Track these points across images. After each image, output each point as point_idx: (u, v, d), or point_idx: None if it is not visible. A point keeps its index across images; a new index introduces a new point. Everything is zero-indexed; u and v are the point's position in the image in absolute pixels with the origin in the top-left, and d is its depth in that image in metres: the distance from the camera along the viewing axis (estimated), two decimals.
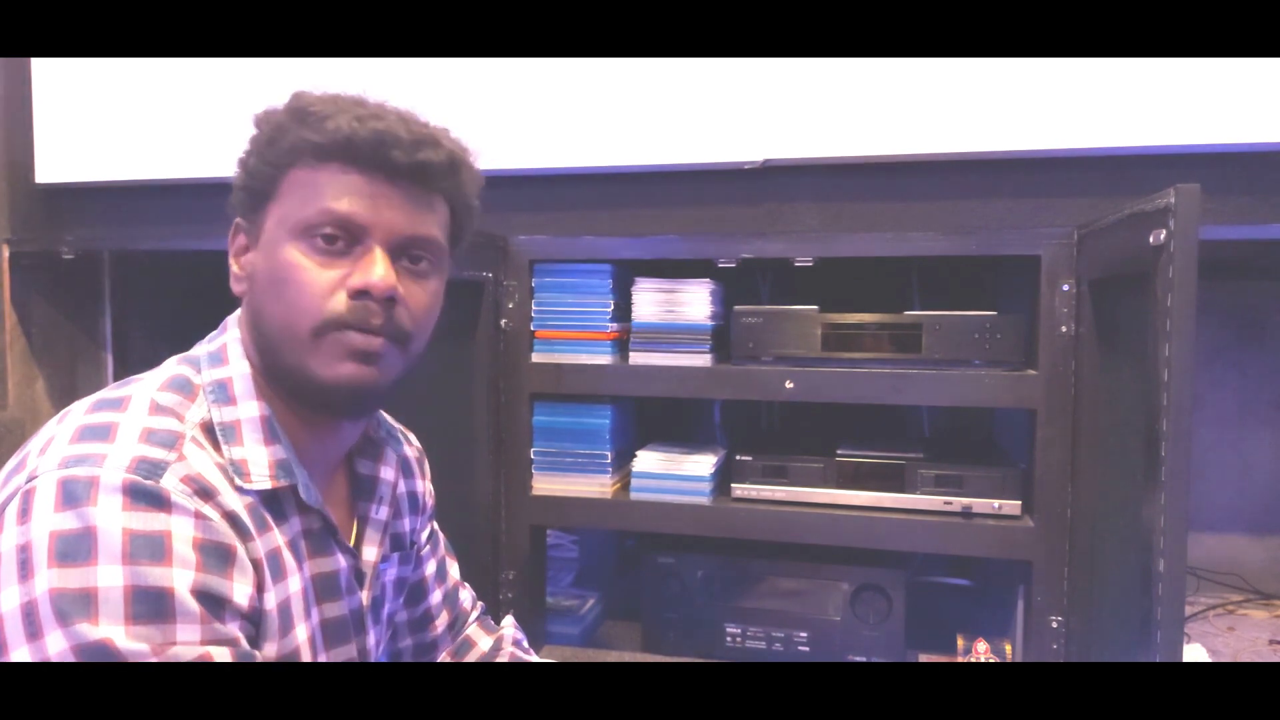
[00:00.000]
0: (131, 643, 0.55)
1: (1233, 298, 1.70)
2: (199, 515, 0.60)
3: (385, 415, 0.88)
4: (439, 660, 0.95)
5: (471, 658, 0.96)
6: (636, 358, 1.42)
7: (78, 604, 0.55)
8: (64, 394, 1.80)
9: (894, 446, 1.43)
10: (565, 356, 1.43)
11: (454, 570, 0.99)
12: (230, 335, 0.72)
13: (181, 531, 0.59)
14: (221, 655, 0.59)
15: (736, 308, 1.40)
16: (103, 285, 1.86)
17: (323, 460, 0.76)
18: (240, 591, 0.62)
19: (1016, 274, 1.46)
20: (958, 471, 1.32)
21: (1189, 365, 0.81)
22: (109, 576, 0.56)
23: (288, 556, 0.69)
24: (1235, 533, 1.73)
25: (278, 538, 0.68)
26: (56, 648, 0.54)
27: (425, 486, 0.92)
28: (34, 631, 0.55)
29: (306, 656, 0.70)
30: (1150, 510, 0.85)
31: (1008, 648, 1.34)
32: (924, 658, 1.37)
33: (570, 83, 1.46)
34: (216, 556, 0.60)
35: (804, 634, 1.41)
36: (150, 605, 0.56)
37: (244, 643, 0.61)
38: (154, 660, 0.56)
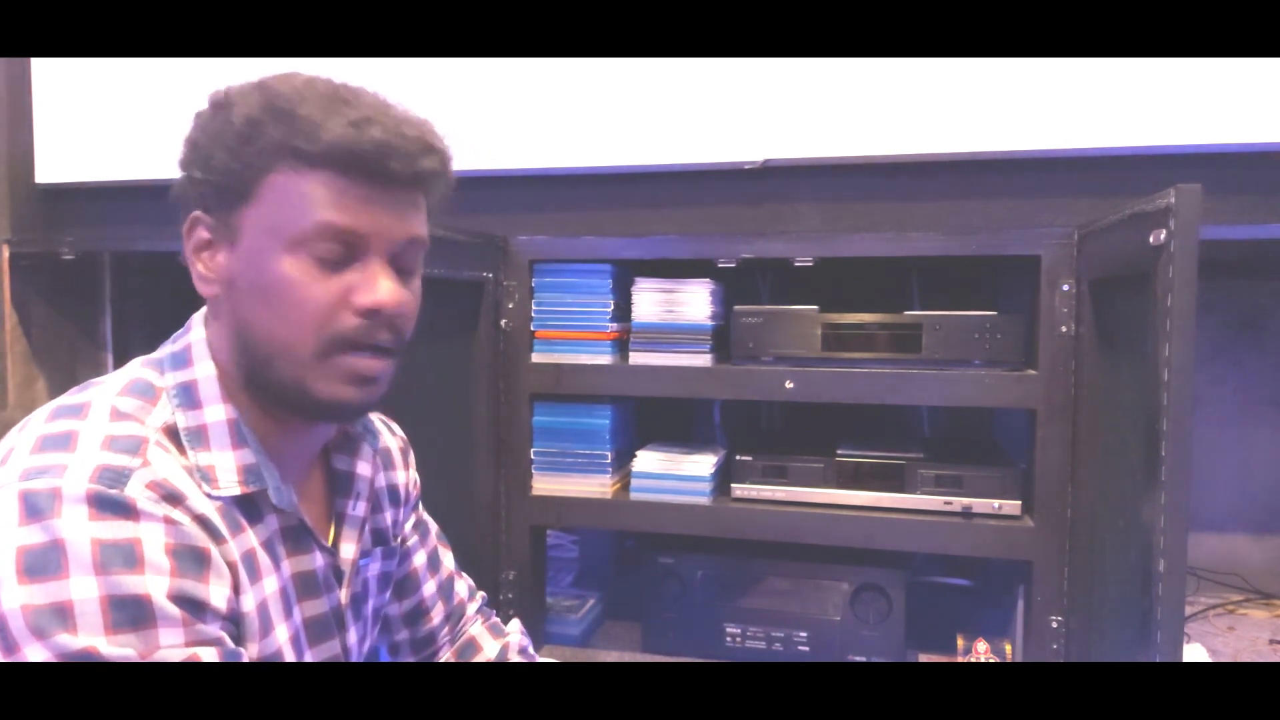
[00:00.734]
0: (116, 649, 0.54)
1: (1233, 298, 1.70)
2: (168, 520, 0.59)
3: None
4: (441, 660, 0.95)
5: (477, 660, 0.96)
6: (636, 358, 1.42)
7: (54, 619, 0.53)
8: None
9: (894, 446, 1.43)
10: (565, 356, 1.43)
11: (448, 560, 0.97)
12: (195, 335, 0.70)
13: (152, 538, 0.57)
14: (209, 655, 0.58)
15: (736, 308, 1.40)
16: (103, 286, 1.86)
17: (297, 459, 0.74)
18: (218, 594, 0.60)
19: (1016, 274, 1.46)
20: (958, 471, 1.32)
21: (1189, 365, 0.81)
22: (83, 588, 0.54)
23: (263, 557, 0.68)
24: (1235, 533, 1.73)
25: (252, 539, 0.67)
26: (37, 659, 0.53)
27: (409, 477, 0.90)
28: (9, 645, 0.54)
29: (290, 656, 0.69)
30: (1150, 510, 0.85)
31: (1008, 648, 1.34)
32: (924, 658, 1.37)
33: (570, 83, 1.46)
34: (191, 560, 0.59)
35: (804, 634, 1.41)
36: (128, 613, 0.55)
37: (229, 642, 0.61)
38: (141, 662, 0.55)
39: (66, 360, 1.82)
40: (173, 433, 0.65)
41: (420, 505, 0.94)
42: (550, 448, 1.46)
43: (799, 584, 1.42)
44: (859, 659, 1.39)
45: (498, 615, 1.01)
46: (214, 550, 0.61)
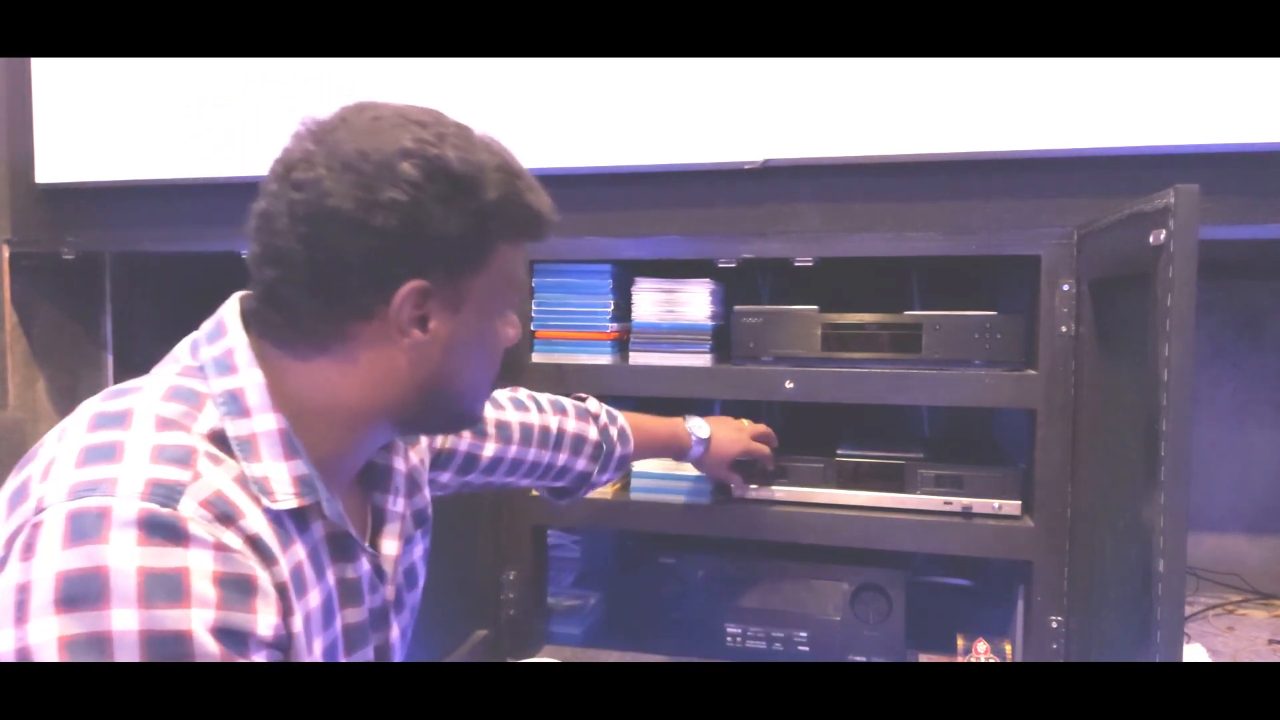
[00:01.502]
0: None
1: (1233, 298, 1.70)
2: (219, 546, 0.58)
3: None
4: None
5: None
6: (636, 358, 1.42)
7: (90, 649, 0.52)
8: (65, 395, 1.80)
9: (894, 446, 1.43)
10: (565, 356, 1.43)
11: (524, 417, 1.07)
12: (235, 339, 0.68)
13: (200, 566, 0.56)
14: None
15: (736, 308, 1.40)
16: (104, 286, 1.86)
17: (354, 466, 0.75)
18: (264, 622, 0.59)
19: (1016, 274, 1.46)
20: (958, 471, 1.32)
21: (1189, 365, 0.81)
22: (123, 620, 0.53)
23: (309, 569, 0.67)
24: (1235, 533, 1.73)
25: (300, 551, 0.66)
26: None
27: (420, 445, 0.92)
28: None
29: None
30: (1150, 510, 0.85)
31: (1008, 648, 1.34)
32: (924, 658, 1.37)
33: (570, 82, 1.46)
34: (237, 590, 0.58)
35: (804, 634, 1.41)
36: (167, 649, 0.54)
37: None
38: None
39: (67, 360, 1.82)
40: (220, 439, 0.64)
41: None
42: None
43: (799, 584, 1.42)
44: (859, 659, 1.39)
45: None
46: (262, 577, 0.60)
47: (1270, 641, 1.45)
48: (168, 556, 0.55)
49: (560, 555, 1.87)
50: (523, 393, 1.11)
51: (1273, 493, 1.71)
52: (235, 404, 0.65)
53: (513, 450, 1.04)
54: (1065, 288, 1.24)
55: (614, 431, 1.16)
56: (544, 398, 1.12)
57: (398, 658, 0.81)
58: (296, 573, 0.65)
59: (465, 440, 0.99)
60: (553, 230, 0.74)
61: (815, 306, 1.39)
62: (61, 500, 0.56)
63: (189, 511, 0.57)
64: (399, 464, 0.83)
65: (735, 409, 1.77)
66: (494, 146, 0.70)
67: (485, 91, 1.49)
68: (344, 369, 0.68)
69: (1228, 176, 1.26)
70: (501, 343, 0.76)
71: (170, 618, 0.54)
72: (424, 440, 0.93)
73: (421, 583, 0.89)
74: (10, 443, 1.71)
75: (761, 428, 1.35)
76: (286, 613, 0.63)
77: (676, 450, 1.27)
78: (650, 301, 1.42)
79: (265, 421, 0.66)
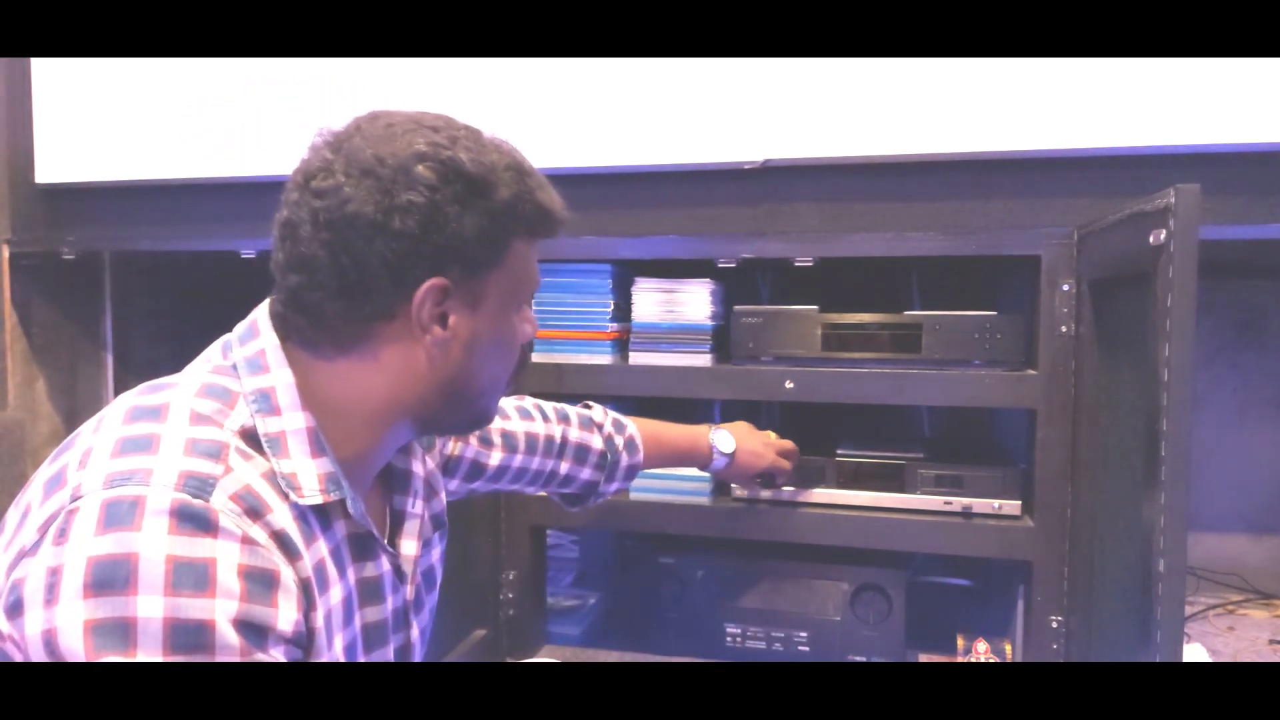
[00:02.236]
0: None
1: (1233, 298, 1.70)
2: (246, 540, 0.59)
3: None
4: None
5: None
6: (636, 358, 1.42)
7: (114, 635, 0.54)
8: (64, 394, 1.80)
9: (894, 446, 1.43)
10: (565, 356, 1.43)
11: (529, 427, 1.07)
12: (267, 341, 0.70)
13: (227, 558, 0.58)
14: None
15: (736, 308, 1.40)
16: (103, 285, 1.86)
17: (377, 466, 0.77)
18: (285, 618, 0.60)
19: (1016, 274, 1.46)
20: (958, 471, 1.32)
21: (1189, 365, 0.81)
22: (149, 607, 0.54)
23: (331, 567, 0.68)
24: (1235, 533, 1.73)
25: (323, 548, 0.68)
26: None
27: (437, 448, 0.95)
28: (54, 658, 0.54)
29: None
30: (1150, 510, 0.85)
31: (1008, 648, 1.34)
32: (924, 658, 1.37)
33: (570, 82, 1.46)
34: (261, 584, 0.59)
35: (804, 634, 1.41)
36: (189, 638, 0.55)
37: None
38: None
39: (67, 360, 1.81)
40: (251, 436, 0.66)
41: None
42: None
43: (799, 584, 1.42)
44: (859, 659, 1.39)
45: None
46: (285, 573, 0.62)
47: (1271, 641, 1.45)
48: (196, 546, 0.57)
49: (559, 555, 1.87)
50: (529, 401, 1.11)
51: (1273, 493, 1.71)
52: (266, 402, 0.67)
53: (517, 459, 1.05)
54: (1065, 288, 1.24)
55: (620, 441, 1.15)
56: (549, 406, 1.12)
57: (417, 657, 0.82)
58: (319, 569, 0.66)
59: (472, 448, 1.00)
60: (564, 227, 0.76)
61: (815, 306, 1.39)
62: (98, 488, 0.58)
63: (220, 504, 0.59)
64: (417, 468, 0.85)
65: (735, 409, 1.77)
66: (504, 147, 0.73)
67: (485, 91, 1.49)
68: (368, 368, 0.71)
69: (1228, 176, 1.26)
70: (519, 338, 0.78)
71: (194, 606, 0.55)
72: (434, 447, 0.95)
73: (439, 585, 0.90)
74: (10, 442, 1.71)
75: (787, 444, 1.33)
76: (309, 608, 0.64)
77: (696, 461, 1.25)
78: (650, 301, 1.42)
79: (294, 420, 0.68)
